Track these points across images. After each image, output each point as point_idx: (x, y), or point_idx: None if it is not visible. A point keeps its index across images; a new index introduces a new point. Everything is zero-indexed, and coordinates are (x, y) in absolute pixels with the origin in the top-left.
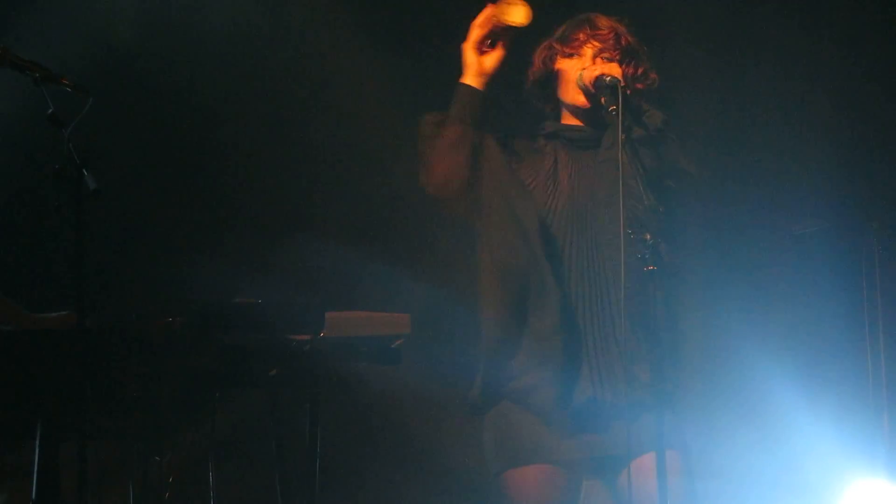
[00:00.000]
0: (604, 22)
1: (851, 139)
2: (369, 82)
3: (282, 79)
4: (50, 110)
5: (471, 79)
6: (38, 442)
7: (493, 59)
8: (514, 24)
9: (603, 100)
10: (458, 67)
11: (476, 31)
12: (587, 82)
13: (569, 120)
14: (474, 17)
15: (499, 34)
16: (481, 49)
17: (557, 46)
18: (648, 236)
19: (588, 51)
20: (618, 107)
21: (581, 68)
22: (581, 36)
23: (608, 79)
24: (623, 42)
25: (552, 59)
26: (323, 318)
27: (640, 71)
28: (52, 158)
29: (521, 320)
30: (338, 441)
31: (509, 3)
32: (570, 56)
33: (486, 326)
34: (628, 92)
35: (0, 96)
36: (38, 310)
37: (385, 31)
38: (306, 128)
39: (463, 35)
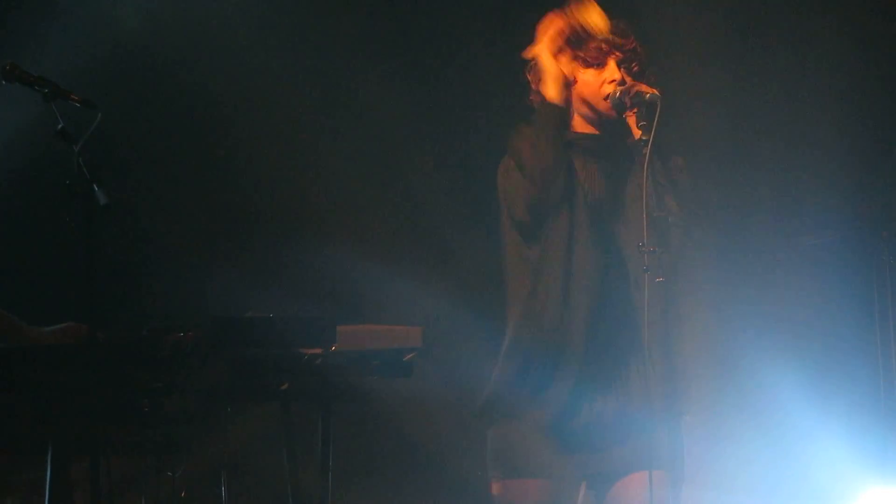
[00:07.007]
0: (619, 28)
1: (862, 150)
2: (386, 94)
3: (295, 91)
4: (60, 126)
5: (555, 92)
6: (49, 457)
7: (568, 64)
8: (592, 30)
9: (635, 111)
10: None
11: (550, 38)
12: (625, 98)
13: (582, 127)
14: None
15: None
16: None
17: (578, 54)
18: (655, 248)
19: (611, 61)
20: (651, 122)
21: (609, 80)
22: (603, 46)
23: (648, 95)
24: (639, 49)
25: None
26: (335, 331)
27: (652, 77)
28: (63, 174)
29: (533, 323)
30: (350, 454)
31: (583, 6)
32: (592, 66)
33: (509, 325)
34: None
35: (9, 112)
36: (50, 325)
37: (404, 41)
38: (320, 140)
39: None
